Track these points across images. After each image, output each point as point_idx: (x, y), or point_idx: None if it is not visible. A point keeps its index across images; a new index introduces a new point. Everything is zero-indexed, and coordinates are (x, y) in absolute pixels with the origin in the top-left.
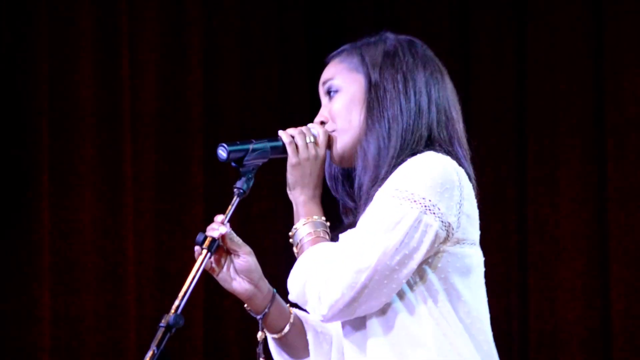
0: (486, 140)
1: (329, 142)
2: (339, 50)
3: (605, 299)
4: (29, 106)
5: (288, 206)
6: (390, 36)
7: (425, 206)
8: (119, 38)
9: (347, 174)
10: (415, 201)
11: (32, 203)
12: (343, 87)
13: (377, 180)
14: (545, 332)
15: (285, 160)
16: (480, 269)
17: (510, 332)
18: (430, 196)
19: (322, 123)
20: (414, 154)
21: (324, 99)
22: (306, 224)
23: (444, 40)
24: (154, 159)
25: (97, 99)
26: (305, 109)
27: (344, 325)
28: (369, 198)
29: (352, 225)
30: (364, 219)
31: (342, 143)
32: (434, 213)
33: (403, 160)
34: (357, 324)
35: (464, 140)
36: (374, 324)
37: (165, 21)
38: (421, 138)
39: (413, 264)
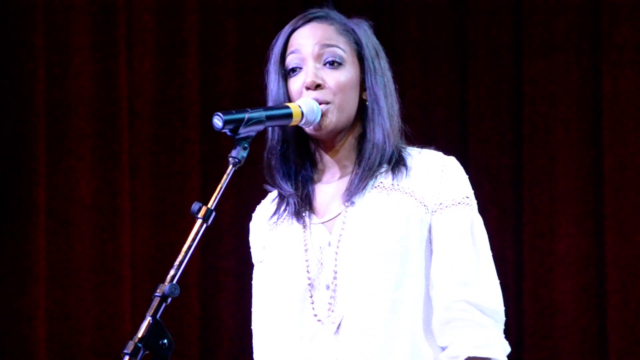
0: (482, 138)
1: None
2: (322, 14)
3: (601, 295)
4: (26, 98)
5: None
6: (369, 30)
7: None
8: (116, 31)
9: (300, 140)
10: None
11: (29, 194)
12: (348, 63)
13: (382, 164)
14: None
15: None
16: None
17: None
18: None
19: (318, 86)
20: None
21: (315, 61)
22: None
23: (442, 31)
24: (150, 126)
25: (93, 88)
26: None
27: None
28: (373, 175)
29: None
30: (464, 239)
31: (337, 119)
32: None
33: (397, 145)
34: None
35: None
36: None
37: (163, 11)
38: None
39: None
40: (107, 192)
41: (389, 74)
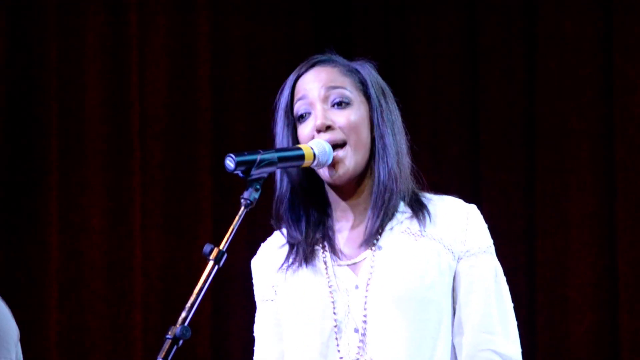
0: (495, 146)
1: (334, 159)
2: (325, 58)
3: (613, 301)
4: (38, 108)
5: None
6: (373, 70)
7: None
8: (127, 42)
9: (312, 183)
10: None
11: (41, 210)
12: (355, 103)
13: (394, 202)
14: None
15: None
16: None
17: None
18: None
19: (328, 128)
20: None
21: (322, 103)
22: None
23: (453, 41)
24: (162, 167)
25: (105, 104)
26: None
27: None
28: (385, 218)
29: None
30: (488, 286)
31: (354, 161)
32: None
33: (407, 185)
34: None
35: None
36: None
37: (174, 24)
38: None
39: None
40: (119, 230)
41: (396, 112)
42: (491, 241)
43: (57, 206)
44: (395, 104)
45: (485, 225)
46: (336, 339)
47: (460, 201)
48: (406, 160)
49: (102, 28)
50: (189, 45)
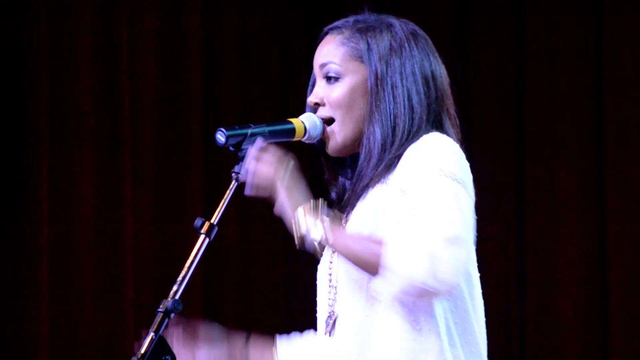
0: (484, 140)
1: (325, 132)
2: (338, 24)
3: (603, 295)
4: (28, 103)
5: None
6: (395, 22)
7: (466, 189)
8: (118, 33)
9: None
10: (459, 182)
11: (32, 192)
12: (345, 75)
13: (380, 167)
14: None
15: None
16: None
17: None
18: (468, 180)
19: (317, 105)
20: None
21: (320, 79)
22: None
23: (444, 34)
24: (153, 147)
25: (96, 91)
26: (304, 101)
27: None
28: (370, 182)
29: (345, 201)
30: (421, 197)
31: (343, 135)
32: (470, 197)
33: (405, 147)
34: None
35: (457, 130)
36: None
37: (165, 14)
38: (425, 129)
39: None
40: (110, 205)
41: (408, 73)
42: (445, 164)
43: (48, 184)
44: (419, 60)
45: (440, 149)
46: (329, 293)
47: (430, 134)
48: (401, 127)
49: (91, 11)
50: (180, 30)
